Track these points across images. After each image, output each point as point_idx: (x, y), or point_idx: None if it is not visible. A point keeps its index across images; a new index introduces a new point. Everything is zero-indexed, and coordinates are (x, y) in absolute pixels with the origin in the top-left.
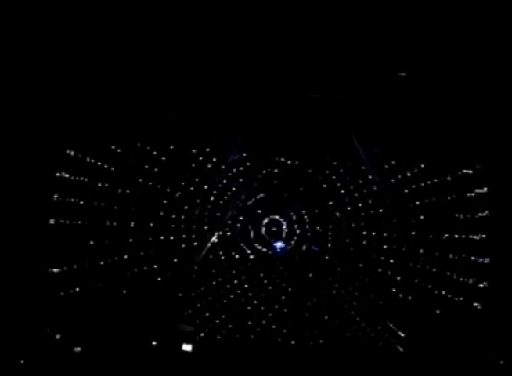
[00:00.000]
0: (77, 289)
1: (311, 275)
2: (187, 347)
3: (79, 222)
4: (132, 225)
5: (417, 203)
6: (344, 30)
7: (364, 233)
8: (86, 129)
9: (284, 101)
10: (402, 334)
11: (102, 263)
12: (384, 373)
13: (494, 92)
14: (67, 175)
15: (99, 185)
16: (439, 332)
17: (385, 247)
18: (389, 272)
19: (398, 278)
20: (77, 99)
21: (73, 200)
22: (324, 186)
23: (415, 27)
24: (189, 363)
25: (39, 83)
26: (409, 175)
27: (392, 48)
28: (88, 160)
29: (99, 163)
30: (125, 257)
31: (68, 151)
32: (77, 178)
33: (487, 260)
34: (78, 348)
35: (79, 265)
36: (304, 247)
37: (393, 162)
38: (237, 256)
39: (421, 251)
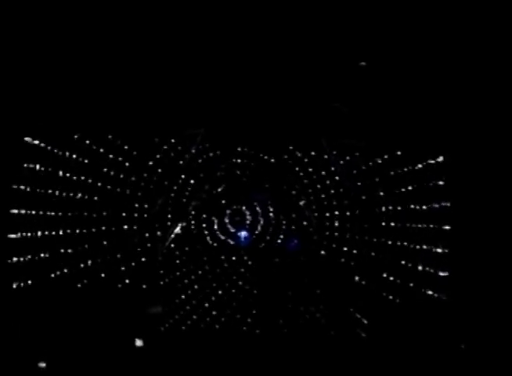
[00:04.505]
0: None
1: (275, 264)
2: (139, 342)
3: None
4: (95, 216)
5: (381, 193)
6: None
7: (328, 222)
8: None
9: (248, 91)
10: (366, 321)
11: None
12: (349, 359)
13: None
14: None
15: (61, 175)
16: (403, 319)
17: (348, 236)
18: (352, 262)
19: (362, 266)
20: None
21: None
22: (288, 175)
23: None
24: (151, 357)
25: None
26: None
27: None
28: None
29: (60, 153)
30: (89, 251)
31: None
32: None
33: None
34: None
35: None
36: (273, 240)
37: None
38: (201, 247)
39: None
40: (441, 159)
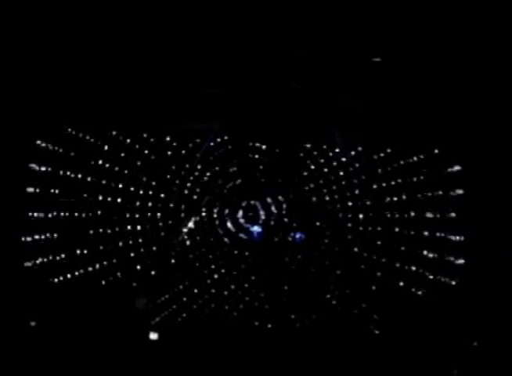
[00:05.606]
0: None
1: (287, 259)
2: (153, 336)
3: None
4: (109, 213)
5: (393, 190)
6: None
7: (340, 217)
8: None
9: (262, 87)
10: (377, 317)
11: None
12: (361, 356)
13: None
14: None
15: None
16: (415, 315)
17: (361, 230)
18: (365, 255)
19: (374, 261)
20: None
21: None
22: (301, 171)
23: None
24: (165, 350)
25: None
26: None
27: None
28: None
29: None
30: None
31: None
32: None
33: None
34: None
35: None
36: (286, 235)
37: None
38: (214, 241)
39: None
40: (458, 167)
